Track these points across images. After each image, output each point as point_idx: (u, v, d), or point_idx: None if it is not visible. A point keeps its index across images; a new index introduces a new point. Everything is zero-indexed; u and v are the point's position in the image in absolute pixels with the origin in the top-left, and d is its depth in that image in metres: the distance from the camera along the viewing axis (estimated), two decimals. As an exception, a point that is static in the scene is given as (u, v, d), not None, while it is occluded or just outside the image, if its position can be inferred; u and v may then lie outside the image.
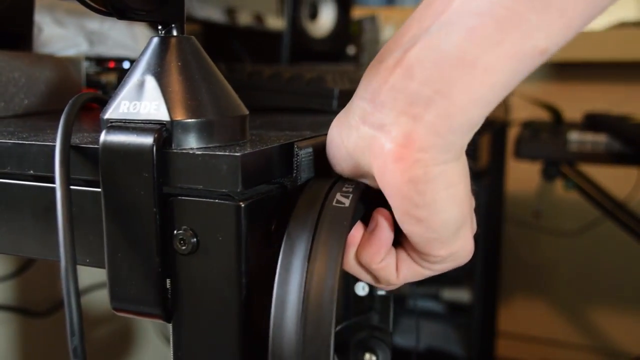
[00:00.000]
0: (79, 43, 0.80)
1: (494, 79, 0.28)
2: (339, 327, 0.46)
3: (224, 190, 0.31)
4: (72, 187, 0.33)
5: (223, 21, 1.11)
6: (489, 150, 1.56)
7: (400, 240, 0.35)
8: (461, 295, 1.64)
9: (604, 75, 1.77)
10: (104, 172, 0.33)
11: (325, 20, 1.11)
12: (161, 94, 0.33)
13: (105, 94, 0.62)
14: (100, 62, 0.65)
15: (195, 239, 0.32)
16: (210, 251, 0.32)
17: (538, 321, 1.92)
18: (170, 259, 0.33)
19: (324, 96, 0.60)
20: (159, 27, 0.35)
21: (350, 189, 0.33)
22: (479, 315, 1.56)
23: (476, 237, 0.35)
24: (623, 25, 1.69)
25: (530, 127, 1.42)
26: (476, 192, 0.34)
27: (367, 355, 0.47)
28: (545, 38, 0.27)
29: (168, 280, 0.33)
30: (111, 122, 0.33)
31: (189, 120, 0.32)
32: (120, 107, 0.33)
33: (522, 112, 1.67)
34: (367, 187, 0.34)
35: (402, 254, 0.35)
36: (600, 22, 1.70)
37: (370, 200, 0.34)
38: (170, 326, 0.34)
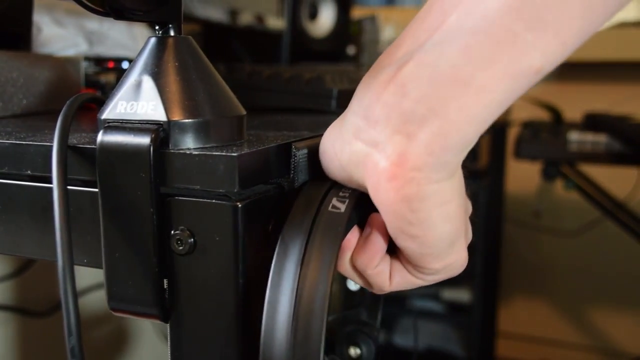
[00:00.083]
0: (78, 43, 0.80)
1: (489, 98, 0.28)
2: (327, 320, 0.46)
3: (221, 190, 0.31)
4: (69, 187, 0.33)
5: (223, 21, 1.11)
6: (489, 150, 1.56)
7: (395, 248, 0.35)
8: (461, 295, 1.64)
9: (604, 75, 1.77)
10: (101, 172, 0.33)
11: (325, 20, 1.11)
12: (158, 94, 0.33)
13: (104, 94, 0.62)
14: (99, 62, 0.65)
15: (192, 239, 0.32)
16: (207, 251, 0.32)
17: (538, 321, 1.92)
18: (168, 259, 0.33)
19: (323, 96, 0.60)
20: (157, 27, 0.35)
21: (347, 194, 0.33)
22: (479, 315, 1.56)
23: (476, 237, 0.35)
24: (623, 25, 1.69)
25: (530, 127, 1.42)
26: (474, 192, 0.34)
27: (352, 349, 0.47)
28: (541, 57, 0.27)
29: (165, 281, 0.33)
30: (108, 122, 0.33)
31: (186, 120, 0.32)
32: (118, 107, 0.33)
33: (522, 112, 1.67)
34: (363, 192, 0.34)
35: (396, 263, 0.35)
36: (601, 22, 1.70)
37: (366, 204, 0.34)
38: (168, 326, 0.34)
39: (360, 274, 0.36)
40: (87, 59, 0.64)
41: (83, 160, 0.35)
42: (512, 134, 1.53)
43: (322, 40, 1.10)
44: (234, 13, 1.13)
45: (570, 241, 1.83)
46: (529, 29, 0.27)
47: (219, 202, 0.31)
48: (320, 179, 0.35)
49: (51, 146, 0.33)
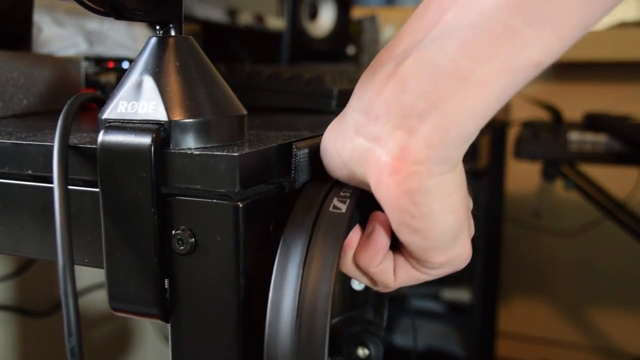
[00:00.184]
0: (78, 43, 0.80)
1: (488, 93, 0.28)
2: (333, 321, 0.46)
3: (222, 190, 0.31)
4: (70, 187, 0.33)
5: (223, 21, 1.11)
6: (489, 150, 1.56)
7: (398, 244, 0.35)
8: (461, 295, 1.64)
9: (604, 75, 1.77)
10: (102, 172, 0.33)
11: (325, 20, 1.11)
12: (159, 94, 0.33)
13: (104, 94, 0.62)
14: (99, 62, 0.65)
15: (193, 239, 0.32)
16: (208, 251, 0.32)
17: (538, 321, 1.92)
18: (169, 259, 0.33)
19: (323, 96, 0.60)
20: (157, 27, 0.35)
21: (347, 194, 0.33)
22: (479, 315, 1.57)
23: (476, 237, 0.35)
24: (623, 25, 1.69)
25: (530, 127, 1.42)
26: (474, 191, 0.34)
27: (360, 350, 0.47)
28: (540, 51, 0.27)
29: (166, 280, 0.33)
30: (109, 122, 0.33)
31: (187, 120, 0.32)
32: (118, 107, 0.33)
33: (522, 112, 1.67)
34: (363, 191, 0.34)
35: (400, 259, 0.35)
36: (600, 22, 1.70)
37: (367, 203, 0.34)
38: (169, 326, 0.34)
39: (364, 273, 0.36)
40: (87, 59, 0.64)
41: (84, 160, 0.35)
42: (512, 134, 1.53)
43: (322, 40, 1.10)
44: (233, 13, 1.13)
45: (570, 241, 1.83)
46: (527, 24, 0.27)
47: (220, 202, 0.31)
48: (321, 179, 0.35)
49: (52, 146, 0.33)
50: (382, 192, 0.30)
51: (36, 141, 0.36)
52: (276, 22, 1.25)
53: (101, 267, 0.34)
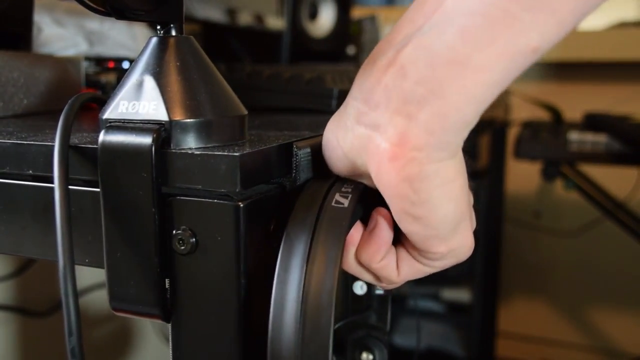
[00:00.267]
0: (78, 43, 0.80)
1: (487, 78, 0.28)
2: (336, 326, 0.46)
3: (222, 190, 0.31)
4: (70, 187, 0.33)
5: (223, 21, 1.11)
6: (489, 150, 1.56)
7: (400, 238, 0.35)
8: (461, 295, 1.64)
9: (604, 75, 1.77)
10: (102, 172, 0.33)
11: (325, 20, 1.11)
12: (160, 94, 0.33)
13: (104, 94, 0.62)
14: (99, 62, 0.65)
15: (194, 239, 0.32)
16: (209, 251, 0.32)
17: (538, 321, 1.92)
18: (169, 259, 0.33)
19: (323, 96, 0.60)
20: (158, 27, 0.35)
21: (350, 189, 0.33)
22: (479, 315, 1.57)
23: (476, 237, 0.35)
24: (623, 25, 1.69)
25: (530, 127, 1.42)
26: (474, 189, 0.34)
27: (364, 354, 0.47)
28: (538, 36, 0.27)
29: (167, 280, 0.33)
30: (110, 122, 0.33)
31: (188, 120, 0.32)
32: (119, 107, 0.33)
33: (522, 112, 1.67)
34: (366, 187, 0.34)
35: (402, 252, 0.35)
36: (600, 22, 1.70)
37: (369, 200, 0.34)
38: (169, 326, 0.34)
39: (367, 269, 0.36)
40: (88, 59, 0.64)
41: (84, 160, 0.35)
42: (512, 134, 1.53)
43: (322, 40, 1.10)
44: (233, 13, 1.13)
45: (570, 241, 1.83)
46: (525, 9, 0.27)
47: (221, 201, 0.31)
48: (322, 176, 0.35)
49: (52, 146, 0.33)
50: (382, 179, 0.31)
51: (37, 141, 0.36)
52: (276, 22, 1.25)
53: (102, 267, 0.34)
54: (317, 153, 0.36)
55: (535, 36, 0.27)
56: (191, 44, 0.35)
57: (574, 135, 1.24)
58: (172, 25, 0.35)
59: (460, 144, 0.30)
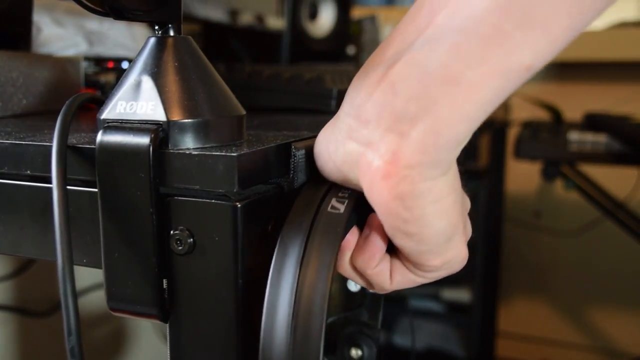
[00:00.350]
0: (77, 43, 0.80)
1: (479, 96, 0.28)
2: (328, 321, 0.46)
3: (220, 190, 0.31)
4: (69, 187, 0.33)
5: (223, 21, 1.11)
6: (489, 150, 1.56)
7: (394, 248, 0.35)
8: (461, 295, 1.64)
9: (604, 75, 1.77)
10: (100, 172, 0.33)
11: (325, 20, 1.11)
12: (158, 94, 0.33)
13: (104, 94, 0.62)
14: (99, 62, 0.65)
15: (191, 239, 0.32)
16: (207, 251, 0.32)
17: (538, 321, 1.92)
18: (167, 259, 0.33)
19: (323, 96, 0.60)
20: (156, 28, 0.35)
21: (346, 195, 0.33)
22: (479, 315, 1.56)
23: (476, 237, 0.35)
24: (623, 25, 1.69)
25: (530, 127, 1.42)
26: (474, 190, 0.34)
27: (354, 350, 0.47)
28: (531, 54, 0.27)
29: (165, 281, 0.33)
30: (108, 123, 0.33)
31: (186, 120, 0.32)
32: (117, 108, 0.33)
33: (522, 112, 1.67)
34: (362, 193, 0.34)
35: (397, 262, 0.35)
36: (600, 22, 1.70)
37: (366, 205, 0.34)
38: (167, 326, 0.34)
39: (361, 274, 0.36)
40: (87, 59, 0.64)
41: (82, 160, 0.35)
42: (512, 134, 1.53)
43: (322, 40, 1.10)
44: (233, 13, 1.13)
45: (570, 241, 1.83)
46: (517, 27, 0.27)
47: (219, 202, 0.31)
48: (319, 180, 0.35)
49: (51, 146, 0.33)
50: (375, 196, 0.30)
51: (35, 141, 0.36)
52: (276, 22, 1.25)
53: (100, 267, 0.34)
54: None
55: (528, 54, 0.27)
56: (189, 44, 0.35)
57: (574, 135, 1.24)
58: (170, 26, 0.35)
59: (453, 160, 0.30)
